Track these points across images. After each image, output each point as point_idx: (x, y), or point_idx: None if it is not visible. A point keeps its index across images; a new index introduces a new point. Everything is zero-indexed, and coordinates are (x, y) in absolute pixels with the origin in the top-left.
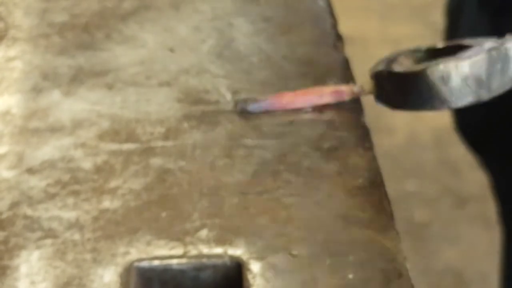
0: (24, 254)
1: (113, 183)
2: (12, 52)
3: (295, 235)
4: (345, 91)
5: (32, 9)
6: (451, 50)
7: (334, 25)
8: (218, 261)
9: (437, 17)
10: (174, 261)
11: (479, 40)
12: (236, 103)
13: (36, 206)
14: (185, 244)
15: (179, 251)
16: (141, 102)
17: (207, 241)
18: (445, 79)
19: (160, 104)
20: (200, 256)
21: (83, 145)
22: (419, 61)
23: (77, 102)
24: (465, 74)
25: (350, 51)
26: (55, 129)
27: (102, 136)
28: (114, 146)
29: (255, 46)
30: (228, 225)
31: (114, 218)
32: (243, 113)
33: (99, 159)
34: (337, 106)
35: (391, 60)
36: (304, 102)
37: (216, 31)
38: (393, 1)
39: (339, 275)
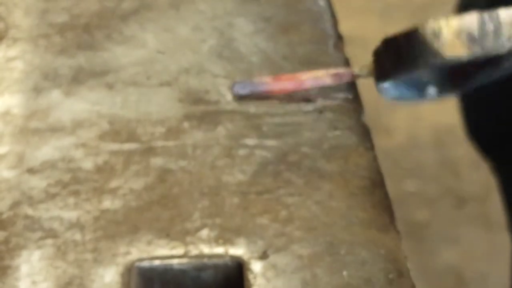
0: (25, 254)
1: (113, 183)
2: (12, 52)
3: (296, 235)
4: (344, 73)
5: (32, 9)
6: None
7: (334, 25)
8: (219, 261)
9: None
10: (175, 261)
11: None
12: (232, 86)
13: (36, 206)
14: (186, 244)
15: (180, 251)
16: (142, 102)
17: (208, 241)
18: (437, 33)
19: (161, 104)
20: (201, 256)
21: (83, 145)
22: None
23: (78, 102)
24: (456, 29)
25: (350, 51)
26: (56, 129)
27: (102, 136)
28: (114, 146)
29: (255, 46)
30: (229, 225)
31: (115, 218)
32: (240, 98)
33: (100, 159)
34: (337, 106)
35: None
36: (303, 84)
37: (216, 31)
38: (393, 1)
39: (340, 274)
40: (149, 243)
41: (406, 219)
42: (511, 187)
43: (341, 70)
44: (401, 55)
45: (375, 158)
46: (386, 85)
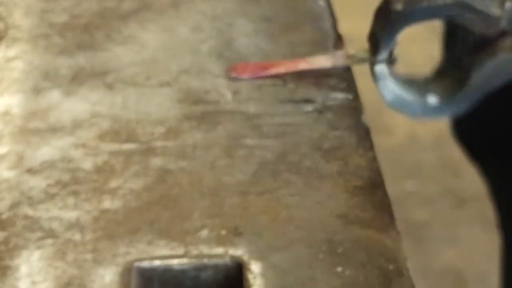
0: (24, 254)
1: (113, 183)
2: (12, 52)
3: (296, 235)
4: (340, 54)
5: (32, 9)
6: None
7: (334, 25)
8: (219, 261)
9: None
10: (175, 261)
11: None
12: (227, 68)
13: (36, 207)
14: (185, 244)
15: (179, 251)
16: (141, 102)
17: (207, 241)
18: None
19: (160, 104)
20: (201, 256)
21: (83, 145)
22: None
23: (77, 102)
24: None
25: (350, 51)
26: (55, 129)
27: (102, 136)
28: (114, 146)
29: (255, 46)
30: (228, 225)
31: (115, 218)
32: (233, 80)
33: (100, 159)
34: (337, 106)
35: None
36: (298, 65)
37: (216, 31)
38: None
39: (340, 275)
40: (149, 243)
41: (406, 219)
42: (498, 188)
43: (337, 52)
44: (386, 19)
45: (375, 158)
46: (381, 67)
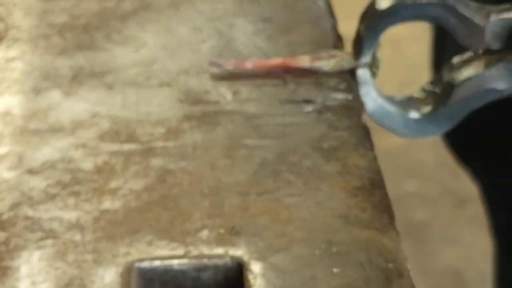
0: (25, 254)
1: (113, 184)
2: (12, 52)
3: (296, 235)
4: (324, 55)
5: (32, 9)
6: None
7: (334, 25)
8: (219, 262)
9: None
10: (175, 262)
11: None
12: (210, 63)
13: (36, 207)
14: (186, 245)
15: (180, 251)
16: (141, 103)
17: (208, 242)
18: None
19: (160, 105)
20: (201, 256)
21: (83, 145)
22: None
23: (77, 103)
24: None
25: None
26: (56, 130)
27: (102, 137)
28: (114, 147)
29: (255, 46)
30: (229, 225)
31: (115, 219)
32: (217, 78)
33: (100, 160)
34: (337, 106)
35: None
36: (282, 64)
37: (216, 31)
38: None
39: (340, 275)
40: (149, 243)
41: (406, 219)
42: (489, 192)
43: (321, 53)
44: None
45: (375, 159)
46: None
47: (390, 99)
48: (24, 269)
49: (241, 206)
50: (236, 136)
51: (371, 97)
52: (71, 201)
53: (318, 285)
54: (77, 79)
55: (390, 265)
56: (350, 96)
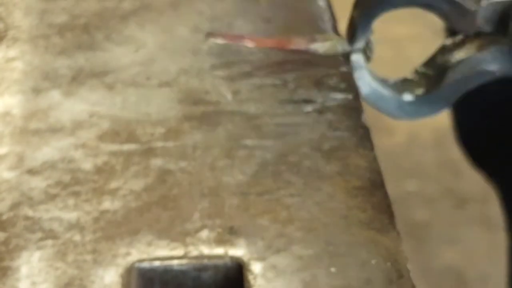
0: (24, 255)
1: (113, 184)
2: (12, 52)
3: (296, 236)
4: (319, 37)
5: (32, 9)
6: None
7: (334, 25)
8: (219, 262)
9: (437, 18)
10: (175, 262)
11: None
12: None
13: (36, 207)
14: (186, 245)
15: (180, 251)
16: (141, 103)
17: (207, 242)
18: None
19: (160, 105)
20: (201, 256)
21: (83, 145)
22: None
23: (77, 103)
24: None
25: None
26: (55, 130)
27: (102, 137)
28: (114, 147)
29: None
30: (228, 226)
31: (115, 219)
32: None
33: (100, 160)
34: (337, 106)
35: None
36: (277, 45)
37: (216, 31)
38: None
39: (340, 275)
40: (149, 244)
41: (406, 219)
42: (507, 192)
43: (318, 36)
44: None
45: (375, 159)
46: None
47: (384, 82)
48: (24, 269)
49: (241, 206)
50: (236, 136)
51: (365, 81)
52: (71, 201)
53: (318, 286)
54: (77, 79)
55: (391, 265)
56: (350, 96)
